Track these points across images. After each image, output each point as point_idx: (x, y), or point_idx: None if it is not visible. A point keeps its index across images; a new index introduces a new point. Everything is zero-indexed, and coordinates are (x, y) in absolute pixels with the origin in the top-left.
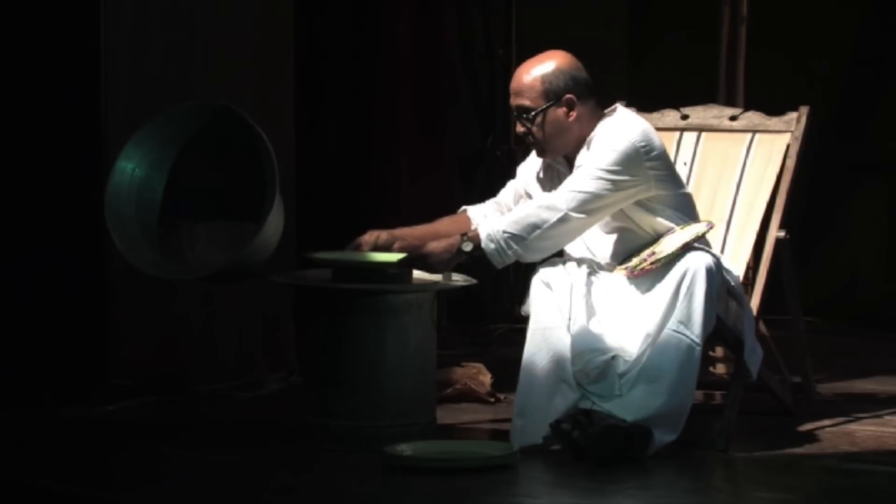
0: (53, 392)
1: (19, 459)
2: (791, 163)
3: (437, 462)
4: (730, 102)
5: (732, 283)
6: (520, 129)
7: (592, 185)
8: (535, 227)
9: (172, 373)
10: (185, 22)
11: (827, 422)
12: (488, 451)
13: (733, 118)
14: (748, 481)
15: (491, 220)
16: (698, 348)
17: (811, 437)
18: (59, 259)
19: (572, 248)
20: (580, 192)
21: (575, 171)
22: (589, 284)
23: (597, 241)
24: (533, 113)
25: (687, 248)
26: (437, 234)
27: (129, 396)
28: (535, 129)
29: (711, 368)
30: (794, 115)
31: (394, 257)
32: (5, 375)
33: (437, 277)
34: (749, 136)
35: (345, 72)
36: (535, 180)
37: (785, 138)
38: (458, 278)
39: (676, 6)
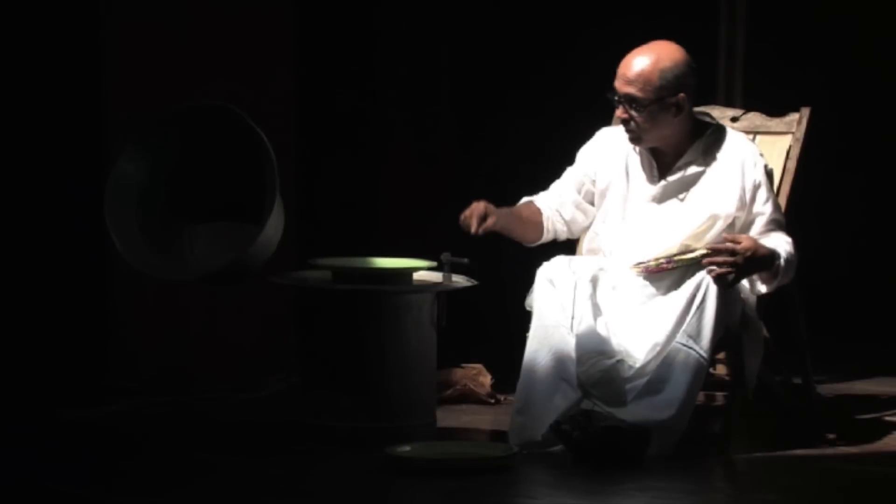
0: (54, 394)
1: (21, 460)
2: (792, 164)
3: (437, 462)
4: (729, 103)
5: (748, 306)
6: (621, 114)
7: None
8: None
9: (173, 374)
10: (186, 22)
11: (827, 422)
12: (488, 452)
13: (734, 119)
14: (748, 481)
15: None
16: (706, 363)
17: (811, 437)
18: (61, 260)
19: (601, 244)
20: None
21: (765, 213)
22: (594, 282)
23: (638, 242)
24: (642, 105)
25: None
26: (520, 216)
27: (130, 398)
28: (638, 118)
29: (712, 369)
30: (795, 116)
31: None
32: (7, 377)
33: (438, 278)
34: (750, 137)
35: (346, 71)
36: (622, 169)
37: (786, 140)
38: (458, 279)
39: (675, 6)
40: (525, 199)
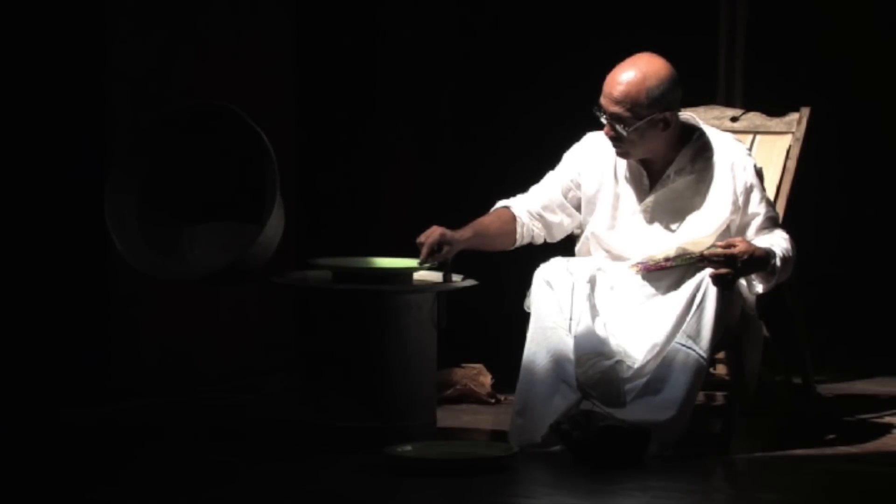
0: (55, 393)
1: (22, 461)
2: (792, 164)
3: (437, 462)
4: (728, 103)
5: (748, 305)
6: (608, 131)
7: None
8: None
9: (174, 374)
10: (187, 22)
11: (827, 422)
12: (488, 452)
13: (734, 119)
14: (748, 481)
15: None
16: (705, 364)
17: (811, 437)
18: (62, 259)
19: (593, 253)
20: (784, 232)
21: (754, 211)
22: (592, 282)
23: (631, 253)
24: (630, 125)
25: (706, 261)
26: (487, 231)
27: (131, 398)
28: (625, 136)
29: (712, 369)
30: (795, 115)
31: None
32: (7, 377)
33: (438, 278)
34: (750, 137)
35: (346, 70)
36: (611, 175)
37: (786, 140)
38: (458, 279)
39: (675, 6)
40: (500, 204)
